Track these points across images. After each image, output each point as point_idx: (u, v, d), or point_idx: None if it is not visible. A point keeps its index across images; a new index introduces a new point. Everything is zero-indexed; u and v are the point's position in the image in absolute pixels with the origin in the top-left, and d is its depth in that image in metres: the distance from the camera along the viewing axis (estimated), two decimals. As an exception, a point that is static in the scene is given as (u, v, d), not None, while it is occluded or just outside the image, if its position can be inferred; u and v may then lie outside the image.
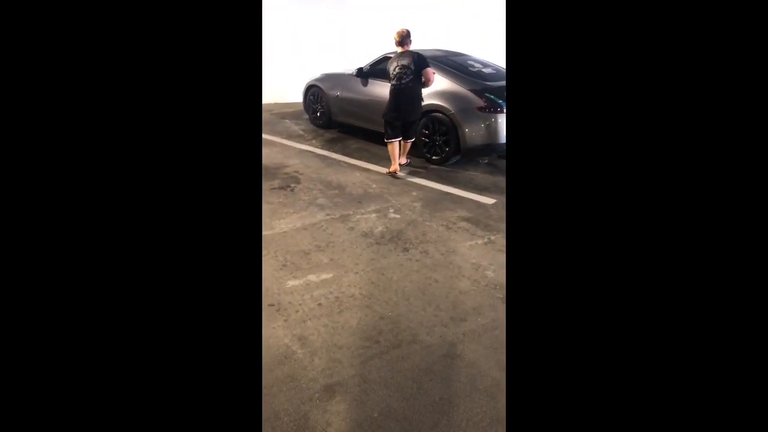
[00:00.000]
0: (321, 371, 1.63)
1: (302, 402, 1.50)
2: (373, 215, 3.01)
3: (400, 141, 3.80)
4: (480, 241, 2.67)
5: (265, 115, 5.98)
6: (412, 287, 2.18)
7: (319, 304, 2.02)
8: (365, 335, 1.83)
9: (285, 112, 6.32)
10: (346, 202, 3.23)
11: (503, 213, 3.10)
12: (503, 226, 2.89)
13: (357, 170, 3.97)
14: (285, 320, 1.91)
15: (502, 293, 2.14)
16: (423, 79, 3.60)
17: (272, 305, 2.02)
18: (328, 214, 3.00)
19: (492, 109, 3.70)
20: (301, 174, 3.81)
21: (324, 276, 2.26)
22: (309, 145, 4.75)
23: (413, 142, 4.01)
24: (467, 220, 2.97)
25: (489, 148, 3.86)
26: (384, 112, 3.77)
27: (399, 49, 3.68)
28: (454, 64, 4.24)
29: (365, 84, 4.74)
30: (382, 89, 4.37)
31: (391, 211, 3.10)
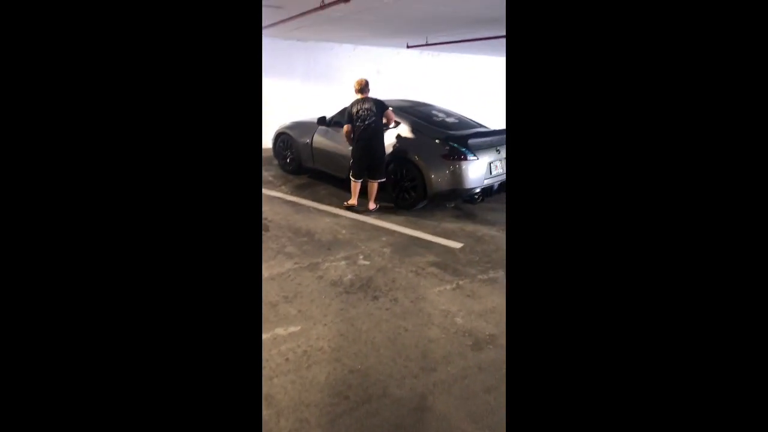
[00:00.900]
0: (287, 434, 1.56)
1: (267, 470, 1.42)
2: (343, 262, 3.01)
3: (364, 181, 4.08)
4: (449, 287, 2.71)
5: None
6: (382, 337, 2.16)
7: (287, 359, 1.96)
8: (334, 391, 1.78)
9: (254, 158, 6.34)
10: (315, 249, 3.22)
11: (470, 257, 3.17)
12: (471, 270, 2.95)
13: (326, 216, 3.99)
14: (250, 378, 1.83)
15: (471, 340, 2.15)
16: (384, 120, 3.98)
17: (237, 362, 1.93)
18: (296, 263, 2.97)
19: (455, 156, 3.87)
20: (270, 221, 3.79)
21: (292, 329, 2.21)
22: (278, 191, 4.76)
23: (382, 185, 4.11)
24: (436, 265, 3.02)
25: (454, 193, 4.00)
26: (352, 152, 4.02)
27: (359, 96, 4.00)
28: (419, 114, 4.45)
29: (335, 132, 4.88)
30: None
31: (361, 257, 3.10)
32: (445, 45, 7.24)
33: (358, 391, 1.78)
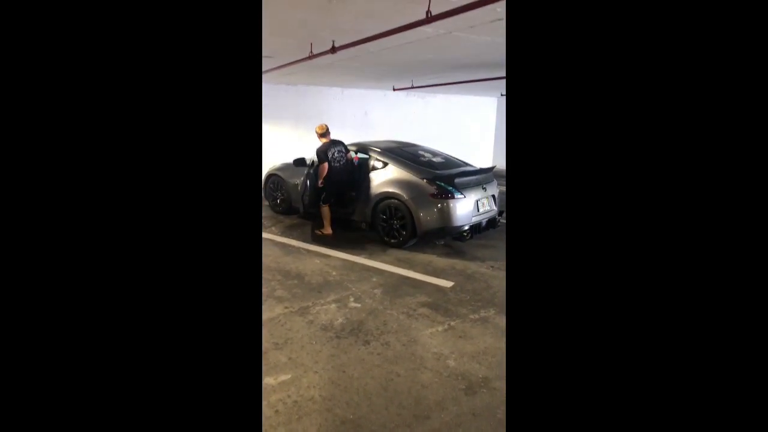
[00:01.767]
0: (277, 493, 1.50)
1: None
2: (333, 305, 2.99)
3: (331, 207, 4.67)
4: (440, 328, 2.69)
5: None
6: (374, 384, 2.12)
7: (276, 411, 1.91)
8: (325, 444, 1.73)
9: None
10: (305, 292, 3.20)
11: (461, 297, 3.17)
12: (462, 310, 2.94)
13: (316, 257, 3.99)
14: (238, 434, 1.78)
15: (464, 384, 2.13)
16: (348, 159, 4.72)
17: (225, 416, 1.88)
18: (286, 307, 2.95)
19: (442, 195, 3.95)
20: (260, 264, 3.77)
21: (282, 378, 2.16)
22: (268, 232, 4.77)
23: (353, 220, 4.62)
24: (427, 305, 3.01)
25: (443, 231, 4.05)
26: (324, 185, 4.52)
27: (324, 140, 4.56)
28: (406, 155, 4.57)
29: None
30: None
31: (351, 299, 3.09)
32: (430, 87, 7.54)
33: (350, 443, 1.74)
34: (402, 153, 4.60)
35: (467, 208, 4.04)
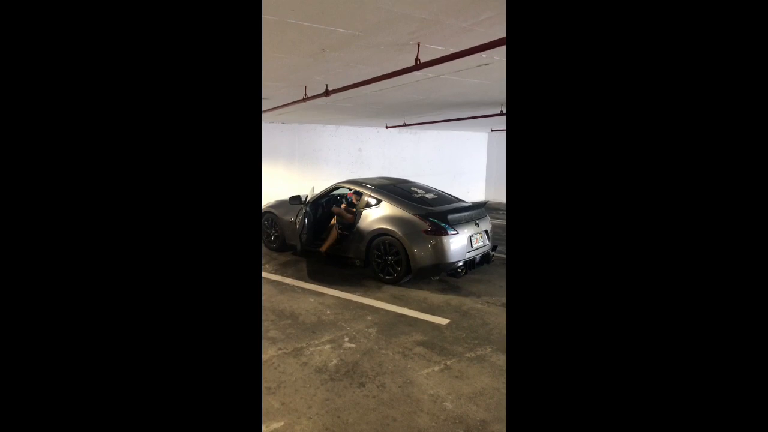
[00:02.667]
0: None
1: None
2: (328, 346, 2.94)
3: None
4: (437, 368, 2.65)
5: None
6: (370, 430, 2.06)
7: (268, 462, 1.84)
8: (319, 498, 1.66)
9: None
10: (299, 332, 3.15)
11: (457, 334, 3.14)
12: (458, 349, 2.91)
13: (311, 295, 3.95)
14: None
15: (462, 428, 2.07)
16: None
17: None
18: (280, 349, 2.89)
19: (436, 232, 3.98)
20: (253, 303, 3.72)
21: (274, 425, 2.09)
22: (262, 270, 4.74)
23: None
24: (423, 344, 2.97)
25: (437, 268, 4.05)
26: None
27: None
28: (400, 191, 4.64)
29: (316, 211, 5.03)
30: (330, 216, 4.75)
31: (346, 339, 3.04)
32: (422, 124, 7.75)
33: (344, 496, 1.66)
34: (395, 190, 4.67)
35: (461, 243, 4.07)
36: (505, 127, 8.21)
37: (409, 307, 3.64)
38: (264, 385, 2.45)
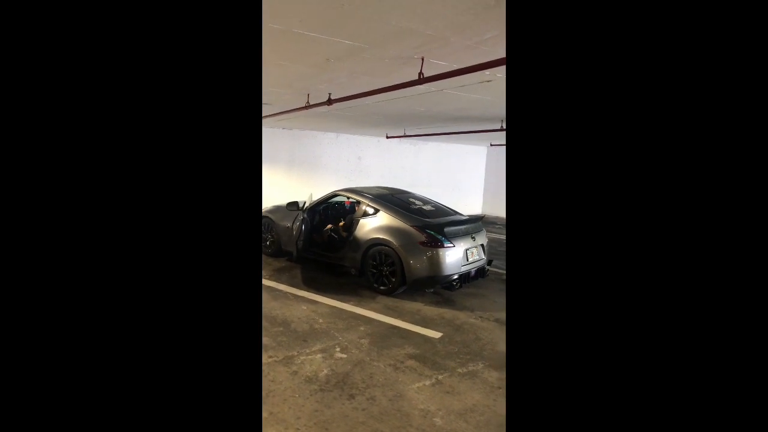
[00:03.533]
0: None
1: None
2: (319, 355, 2.91)
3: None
4: (428, 382, 2.63)
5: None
6: (358, 443, 2.03)
7: (253, 473, 1.81)
8: None
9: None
10: (290, 340, 3.13)
11: (450, 348, 3.12)
12: (450, 363, 2.89)
13: (304, 303, 3.93)
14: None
15: (451, 445, 2.05)
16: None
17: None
18: (270, 356, 2.86)
19: (432, 244, 3.98)
20: (246, 309, 3.69)
21: (261, 435, 2.06)
22: (256, 275, 4.71)
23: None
24: (415, 357, 2.95)
25: (433, 280, 4.04)
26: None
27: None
28: (398, 202, 4.65)
29: (314, 217, 5.02)
30: (327, 223, 4.76)
31: (338, 349, 3.02)
32: (422, 136, 7.79)
33: None
34: (393, 200, 4.67)
35: (456, 256, 4.06)
36: (504, 142, 8.27)
37: (403, 319, 3.62)
38: (253, 393, 2.42)
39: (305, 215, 4.80)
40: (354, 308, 3.83)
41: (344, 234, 4.87)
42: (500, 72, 2.65)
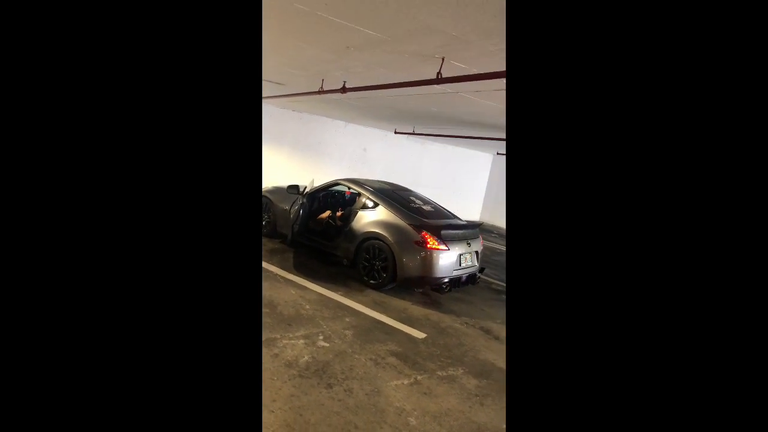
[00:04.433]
0: None
1: None
2: (301, 341, 2.91)
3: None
4: (406, 381, 2.63)
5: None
6: (330, 433, 2.04)
7: (223, 450, 1.81)
8: (269, 494, 1.63)
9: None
10: (275, 323, 3.12)
11: (432, 350, 3.13)
12: (430, 365, 2.90)
13: (292, 287, 3.92)
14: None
15: (422, 446, 2.06)
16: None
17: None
18: (253, 336, 2.86)
19: (427, 244, 3.98)
20: (234, 286, 3.68)
21: (235, 413, 2.06)
22: (248, 253, 4.69)
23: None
24: (396, 355, 2.96)
25: (423, 280, 4.05)
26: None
27: None
28: (398, 198, 4.63)
29: (312, 203, 5.00)
30: (327, 210, 4.75)
31: (321, 338, 3.02)
32: (430, 136, 7.77)
33: (295, 497, 1.64)
34: (393, 196, 4.66)
35: (450, 260, 4.07)
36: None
37: (389, 315, 3.63)
38: (231, 370, 2.41)
39: (304, 200, 4.78)
40: (342, 298, 3.83)
41: (340, 224, 4.87)
42: (518, 82, 2.63)
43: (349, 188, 4.90)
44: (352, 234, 4.45)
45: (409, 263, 4.01)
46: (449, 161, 10.44)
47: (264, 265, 4.42)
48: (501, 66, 2.17)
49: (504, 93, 3.02)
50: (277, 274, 4.19)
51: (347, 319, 3.42)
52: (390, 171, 9.18)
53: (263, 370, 2.48)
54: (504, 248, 7.64)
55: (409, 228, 4.12)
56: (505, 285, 5.21)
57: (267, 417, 2.07)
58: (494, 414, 2.45)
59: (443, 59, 2.33)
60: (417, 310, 3.89)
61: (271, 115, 7.43)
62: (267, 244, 5.17)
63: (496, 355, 3.23)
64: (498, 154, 10.19)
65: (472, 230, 4.55)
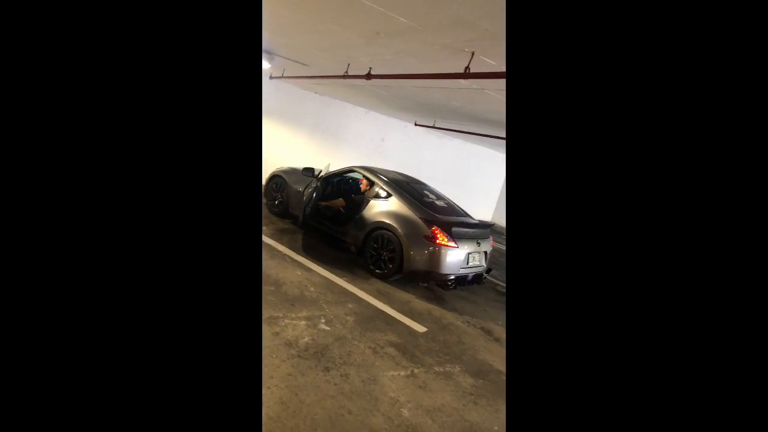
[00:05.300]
0: None
1: None
2: (303, 322, 2.94)
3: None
4: (403, 373, 2.65)
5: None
6: (323, 415, 2.06)
7: (218, 420, 1.85)
8: (259, 468, 1.66)
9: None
10: (279, 301, 3.16)
11: (431, 345, 3.13)
12: (429, 360, 2.90)
13: (299, 268, 3.95)
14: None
15: (413, 438, 2.07)
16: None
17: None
18: (256, 312, 2.89)
19: (436, 240, 3.96)
20: (242, 261, 3.72)
21: (233, 385, 2.10)
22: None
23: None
24: (395, 346, 2.97)
25: (428, 275, 4.04)
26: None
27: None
28: (412, 191, 4.61)
29: (326, 187, 5.01)
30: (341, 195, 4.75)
31: (323, 321, 3.04)
32: (450, 131, 7.69)
33: (283, 473, 1.67)
34: (407, 188, 4.64)
35: (457, 258, 4.05)
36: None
37: (392, 306, 3.64)
38: (233, 343, 2.45)
39: (318, 183, 4.79)
40: (346, 285, 3.85)
41: (351, 211, 4.87)
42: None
43: (364, 176, 4.89)
44: (362, 222, 4.45)
45: (417, 257, 4.00)
46: (466, 159, 10.34)
47: (273, 242, 4.46)
48: (531, 66, 2.13)
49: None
50: (285, 254, 4.22)
51: (350, 306, 3.43)
52: (406, 163, 9.13)
53: (263, 346, 2.51)
54: (513, 251, 7.57)
55: (420, 222, 4.11)
56: (510, 288, 5.18)
57: (263, 393, 2.10)
58: (487, 415, 2.45)
59: (473, 54, 2.29)
60: (420, 303, 3.90)
61: (293, 94, 7.42)
62: (278, 223, 5.21)
63: (495, 357, 3.23)
64: (517, 156, 10.04)
65: (483, 230, 4.51)
